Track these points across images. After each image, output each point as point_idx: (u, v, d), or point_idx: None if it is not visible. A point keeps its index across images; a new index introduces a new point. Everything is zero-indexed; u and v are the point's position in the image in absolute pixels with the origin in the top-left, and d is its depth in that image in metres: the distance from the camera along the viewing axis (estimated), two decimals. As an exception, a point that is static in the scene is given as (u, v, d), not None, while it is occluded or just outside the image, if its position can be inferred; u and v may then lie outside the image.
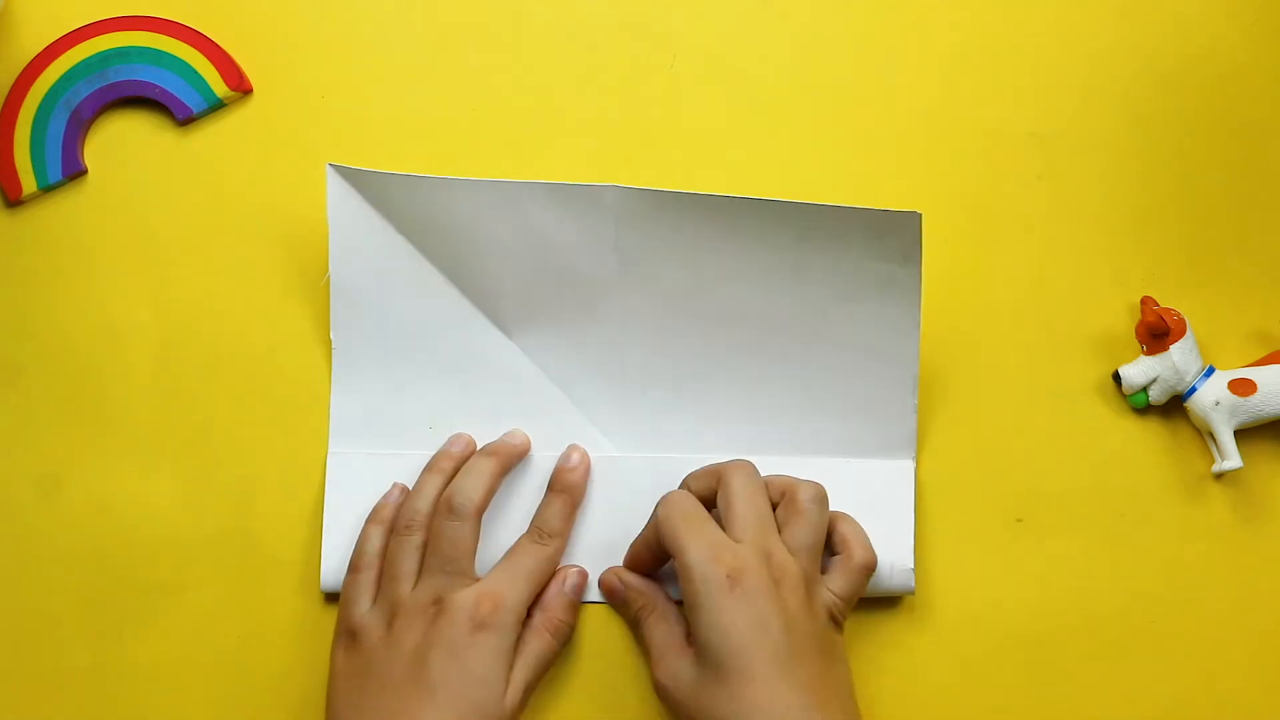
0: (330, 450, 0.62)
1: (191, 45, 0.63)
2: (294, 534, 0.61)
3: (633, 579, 0.60)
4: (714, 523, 0.56)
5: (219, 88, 0.63)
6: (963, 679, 0.59)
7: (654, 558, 0.59)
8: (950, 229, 0.63)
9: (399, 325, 0.61)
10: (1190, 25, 0.64)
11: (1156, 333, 0.60)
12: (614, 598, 0.60)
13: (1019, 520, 0.61)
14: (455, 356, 0.61)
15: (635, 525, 0.60)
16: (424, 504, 0.59)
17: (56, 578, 0.61)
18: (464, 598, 0.56)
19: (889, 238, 0.57)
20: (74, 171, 0.63)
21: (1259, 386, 0.59)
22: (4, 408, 0.62)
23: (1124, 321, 0.62)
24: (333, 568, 0.60)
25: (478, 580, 0.57)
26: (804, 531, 0.56)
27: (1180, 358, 0.60)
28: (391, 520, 0.60)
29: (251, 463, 0.62)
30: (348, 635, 0.57)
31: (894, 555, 0.60)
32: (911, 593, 0.60)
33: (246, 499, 0.62)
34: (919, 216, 0.57)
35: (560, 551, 0.60)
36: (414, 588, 0.57)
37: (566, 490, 0.60)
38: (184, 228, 0.63)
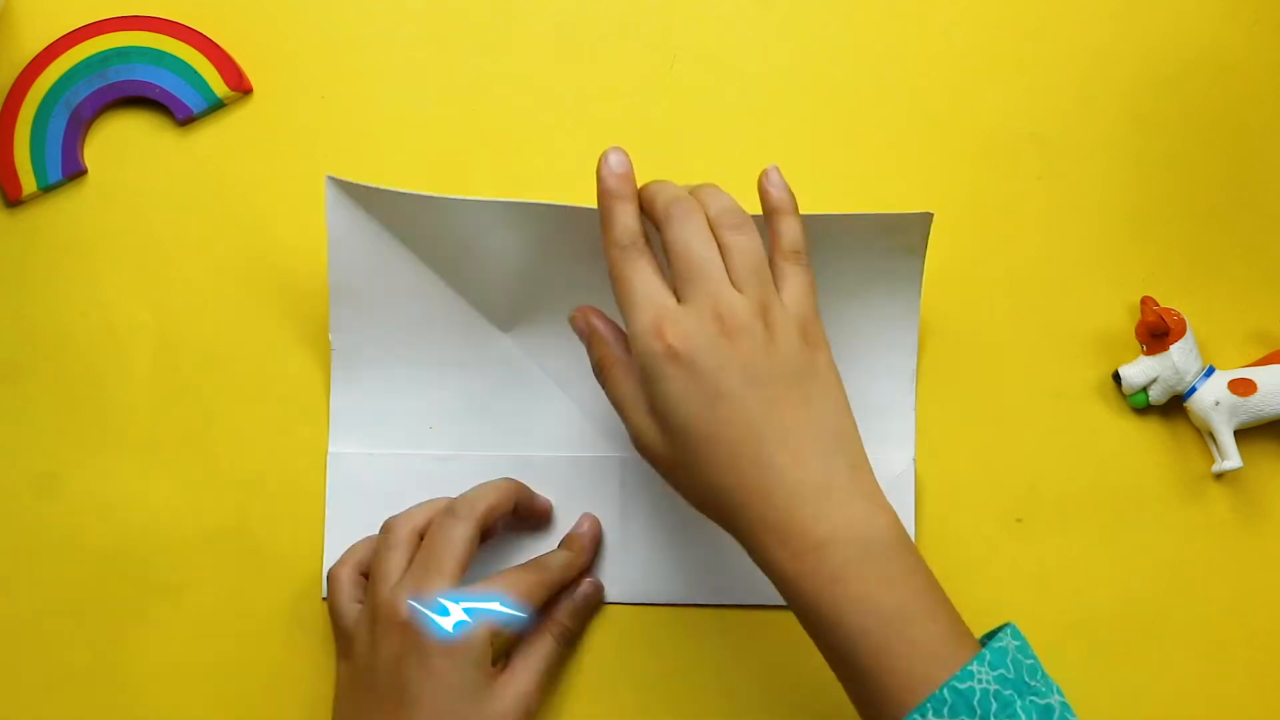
0: (330, 450, 0.62)
1: (191, 45, 0.63)
2: (294, 534, 0.61)
3: (601, 326, 0.56)
4: (658, 278, 0.53)
5: (219, 88, 0.63)
6: (963, 679, 0.59)
7: None
8: (950, 229, 0.63)
9: (399, 326, 0.61)
10: (1190, 25, 0.64)
11: (1156, 333, 0.60)
12: (581, 339, 0.57)
13: (1019, 520, 0.61)
14: (455, 356, 0.61)
15: (633, 526, 0.60)
16: (420, 516, 0.58)
17: (56, 577, 0.61)
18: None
19: (896, 234, 0.58)
20: (74, 171, 0.63)
21: (1259, 386, 0.59)
22: (4, 408, 0.62)
23: (1124, 321, 0.62)
24: (333, 568, 0.61)
25: (457, 585, 0.56)
26: (742, 259, 0.52)
27: (1180, 358, 0.60)
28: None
29: (251, 463, 0.62)
30: (344, 640, 0.57)
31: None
32: None
33: (246, 499, 0.62)
34: (930, 218, 0.57)
35: (551, 590, 0.58)
36: (394, 585, 0.56)
37: (582, 550, 0.60)
38: (184, 228, 0.63)
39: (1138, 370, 0.60)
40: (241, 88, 0.64)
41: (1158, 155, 0.63)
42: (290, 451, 0.62)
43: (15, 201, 0.64)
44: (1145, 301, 0.61)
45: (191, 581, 0.61)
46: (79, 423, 0.62)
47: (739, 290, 0.52)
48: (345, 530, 0.61)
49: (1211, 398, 0.60)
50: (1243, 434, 0.60)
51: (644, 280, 0.52)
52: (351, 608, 0.57)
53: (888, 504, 0.52)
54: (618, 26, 0.64)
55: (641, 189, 0.54)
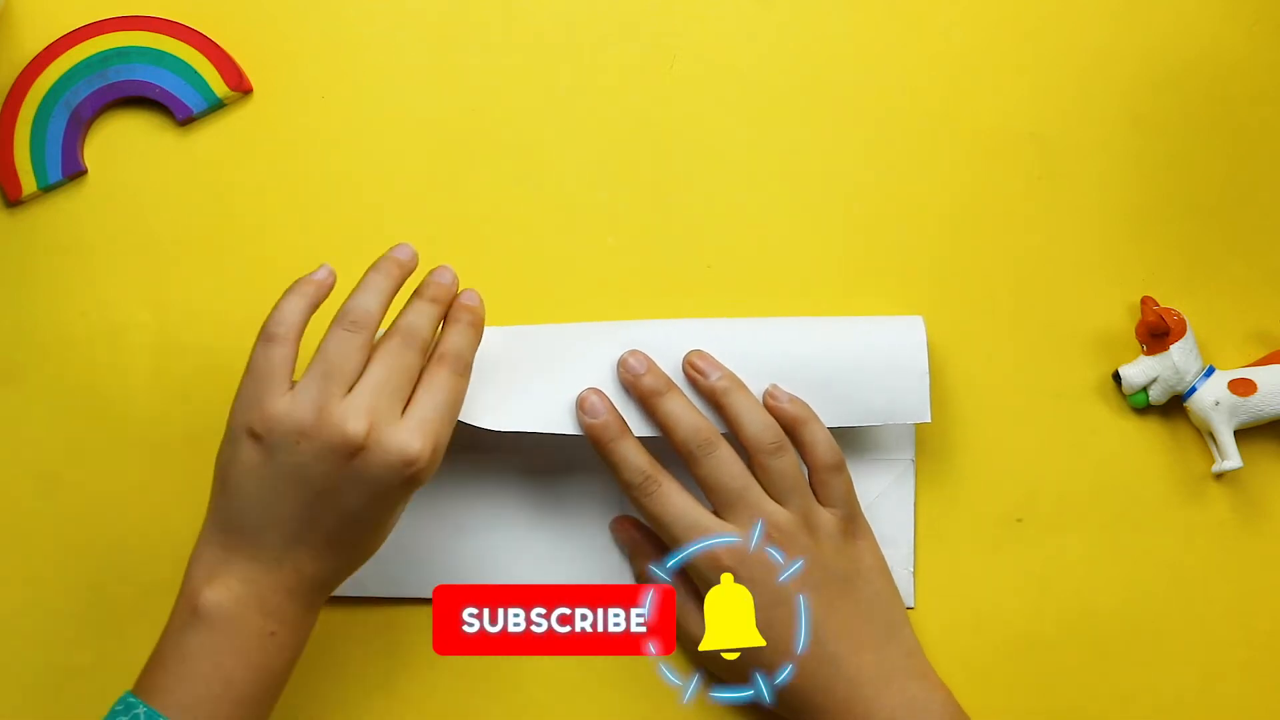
0: (330, 450, 0.62)
1: (191, 45, 0.63)
2: (294, 534, 0.61)
3: (642, 539, 0.60)
4: (686, 497, 0.57)
5: (219, 88, 0.63)
6: (963, 679, 0.59)
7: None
8: (950, 229, 0.63)
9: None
10: (1190, 25, 0.64)
11: (1156, 333, 0.60)
12: (622, 550, 0.61)
13: (1019, 520, 0.61)
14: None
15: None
16: (375, 304, 0.53)
17: (57, 577, 0.61)
18: (397, 445, 0.51)
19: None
20: (74, 171, 0.63)
21: (1259, 386, 0.59)
22: (4, 408, 0.63)
23: (1124, 321, 0.62)
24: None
25: (403, 421, 0.51)
26: (781, 480, 0.57)
27: (1180, 358, 0.60)
28: (317, 299, 0.54)
29: (251, 463, 0.62)
30: (261, 429, 0.52)
31: (895, 557, 0.60)
32: (910, 608, 0.60)
33: (246, 499, 0.62)
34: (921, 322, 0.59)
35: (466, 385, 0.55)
36: (344, 399, 0.51)
37: (475, 323, 0.56)
38: (184, 228, 0.63)
39: (1138, 370, 0.60)
40: (241, 88, 0.64)
41: (1158, 155, 0.63)
42: (290, 451, 0.62)
43: (15, 201, 0.64)
44: (1145, 301, 0.61)
45: (191, 581, 0.61)
46: (79, 423, 0.62)
47: (781, 504, 0.57)
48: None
49: (1211, 398, 0.59)
50: (1243, 434, 0.60)
51: (674, 510, 0.57)
52: (278, 388, 0.52)
53: (941, 683, 0.57)
54: (618, 26, 0.64)
55: (652, 402, 0.58)
